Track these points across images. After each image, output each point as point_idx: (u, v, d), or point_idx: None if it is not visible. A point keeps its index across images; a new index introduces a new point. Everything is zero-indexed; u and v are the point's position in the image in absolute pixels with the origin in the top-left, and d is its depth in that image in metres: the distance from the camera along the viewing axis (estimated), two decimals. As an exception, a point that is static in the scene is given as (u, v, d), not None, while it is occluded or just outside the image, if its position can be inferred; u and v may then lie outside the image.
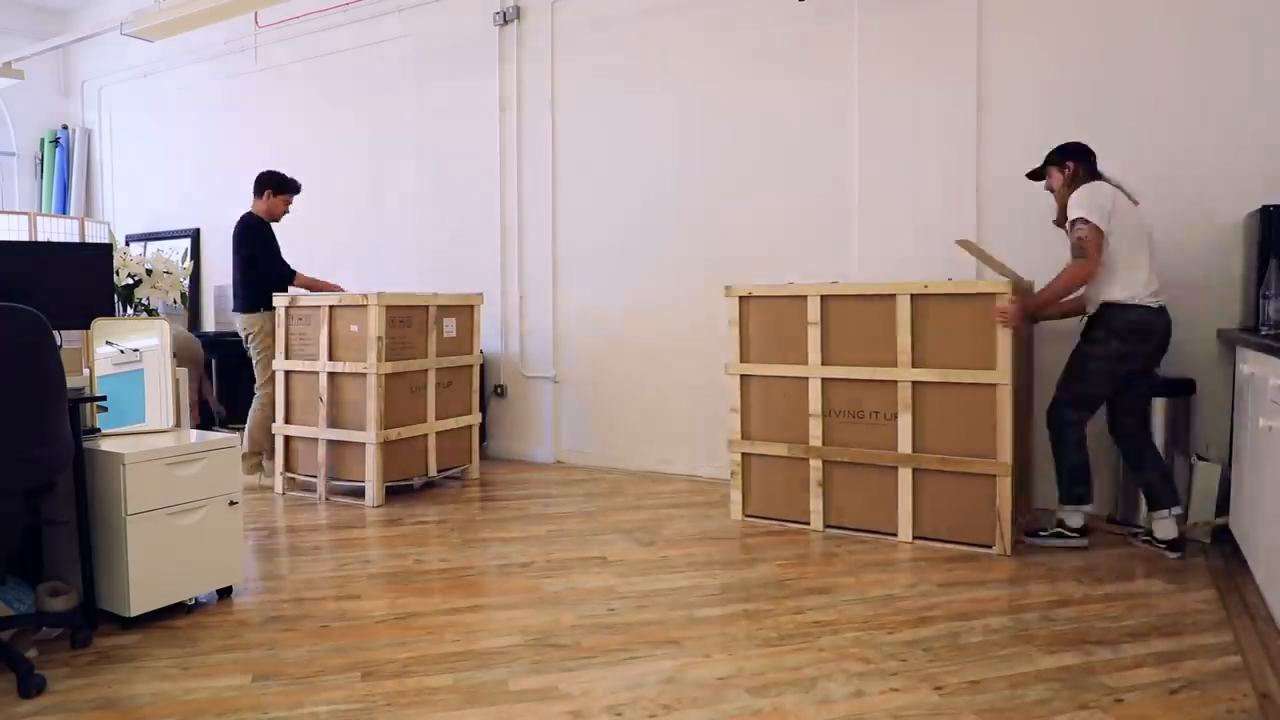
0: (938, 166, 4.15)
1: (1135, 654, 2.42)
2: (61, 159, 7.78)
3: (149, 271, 5.40)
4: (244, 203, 4.99)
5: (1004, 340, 3.31)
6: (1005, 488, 3.32)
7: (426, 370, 4.51)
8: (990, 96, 4.05)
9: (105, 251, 3.18)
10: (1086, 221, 3.23)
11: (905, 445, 3.52)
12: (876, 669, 2.34)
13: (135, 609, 2.63)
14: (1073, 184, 3.38)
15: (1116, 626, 2.62)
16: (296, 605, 2.88)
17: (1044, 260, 3.88)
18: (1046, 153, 3.53)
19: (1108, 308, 3.30)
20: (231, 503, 2.90)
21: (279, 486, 4.54)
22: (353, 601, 2.91)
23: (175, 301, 5.89)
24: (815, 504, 3.73)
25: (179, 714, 2.13)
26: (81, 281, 3.05)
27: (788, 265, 4.51)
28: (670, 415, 4.94)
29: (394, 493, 4.43)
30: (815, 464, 3.72)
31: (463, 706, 2.15)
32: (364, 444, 4.26)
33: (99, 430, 2.85)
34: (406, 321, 4.38)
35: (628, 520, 3.94)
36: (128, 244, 7.22)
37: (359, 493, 4.34)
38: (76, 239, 6.50)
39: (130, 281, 5.33)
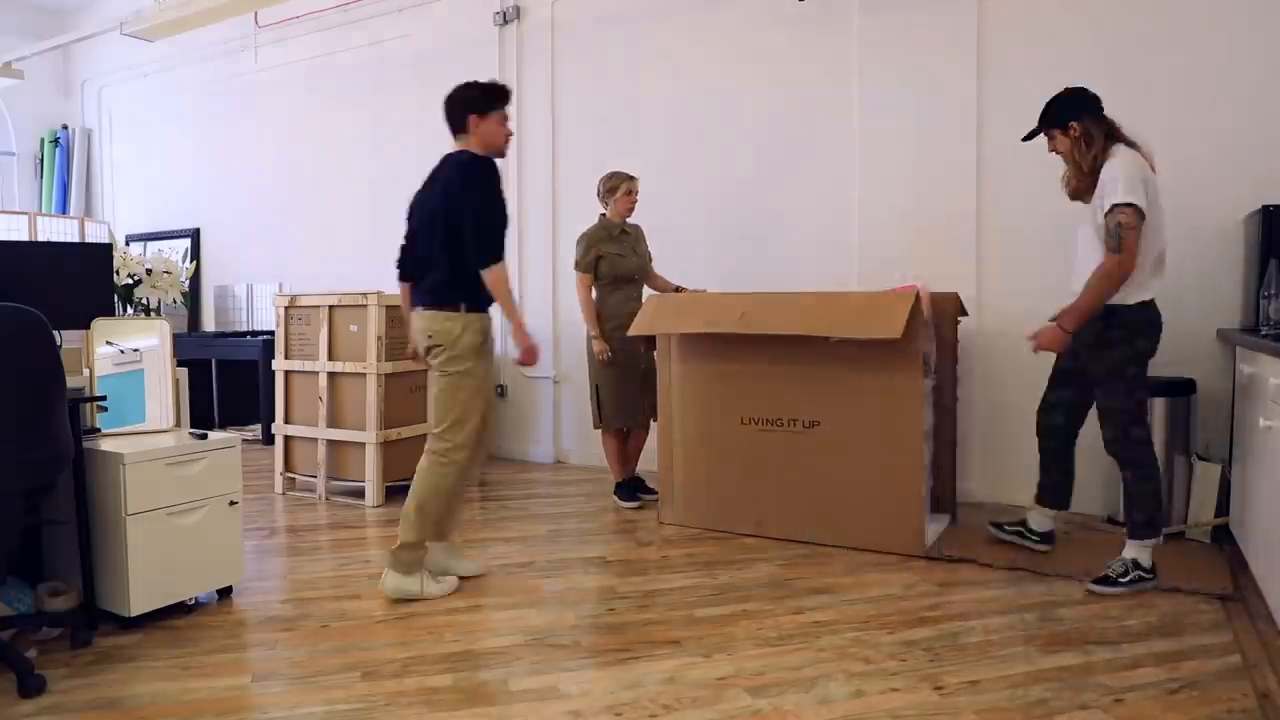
0: (938, 167, 4.15)
1: (1135, 654, 2.42)
2: (61, 159, 7.78)
3: (149, 271, 5.41)
4: (242, 202, 4.97)
5: None
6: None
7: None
8: (990, 96, 4.05)
9: (105, 251, 3.19)
10: (1131, 205, 2.70)
11: None
12: (876, 669, 2.34)
13: (135, 609, 2.63)
14: (1088, 146, 2.86)
15: (1116, 626, 2.62)
16: (296, 605, 2.88)
17: (1045, 262, 3.88)
18: (1043, 107, 3.01)
19: (1126, 308, 2.85)
20: (231, 503, 2.90)
21: (279, 486, 4.54)
22: (353, 601, 2.91)
23: (175, 301, 5.90)
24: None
25: (179, 714, 2.13)
26: (81, 281, 3.05)
27: (787, 266, 4.51)
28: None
29: (394, 493, 4.42)
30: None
31: (463, 706, 2.15)
32: (364, 444, 4.26)
33: (99, 430, 2.85)
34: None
35: (628, 520, 3.94)
36: (128, 244, 7.22)
37: (359, 493, 4.33)
38: (76, 239, 6.50)
39: (130, 281, 5.34)
